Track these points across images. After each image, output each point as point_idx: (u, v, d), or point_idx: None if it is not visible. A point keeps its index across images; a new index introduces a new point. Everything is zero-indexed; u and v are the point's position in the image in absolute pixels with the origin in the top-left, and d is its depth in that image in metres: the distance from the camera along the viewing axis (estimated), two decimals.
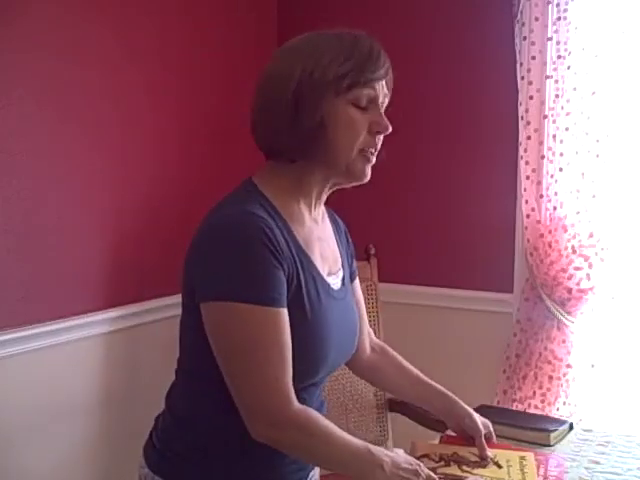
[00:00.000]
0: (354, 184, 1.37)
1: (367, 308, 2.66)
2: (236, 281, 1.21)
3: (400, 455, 1.29)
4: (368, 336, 1.69)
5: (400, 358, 1.70)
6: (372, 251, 2.62)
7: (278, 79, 1.30)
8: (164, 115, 2.57)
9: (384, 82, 1.35)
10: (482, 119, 2.75)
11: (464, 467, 1.34)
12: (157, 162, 2.56)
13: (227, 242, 1.22)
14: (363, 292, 2.73)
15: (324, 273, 1.36)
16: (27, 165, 2.17)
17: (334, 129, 1.29)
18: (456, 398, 1.61)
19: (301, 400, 1.27)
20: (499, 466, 1.39)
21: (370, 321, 2.64)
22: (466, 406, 1.60)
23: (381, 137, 1.34)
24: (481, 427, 1.56)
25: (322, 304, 1.31)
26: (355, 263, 1.57)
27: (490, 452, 1.49)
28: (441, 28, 2.81)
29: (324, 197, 1.40)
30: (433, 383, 1.65)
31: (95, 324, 2.36)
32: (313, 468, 1.46)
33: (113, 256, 2.43)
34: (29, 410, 2.19)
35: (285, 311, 1.24)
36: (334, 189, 1.40)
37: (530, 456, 1.51)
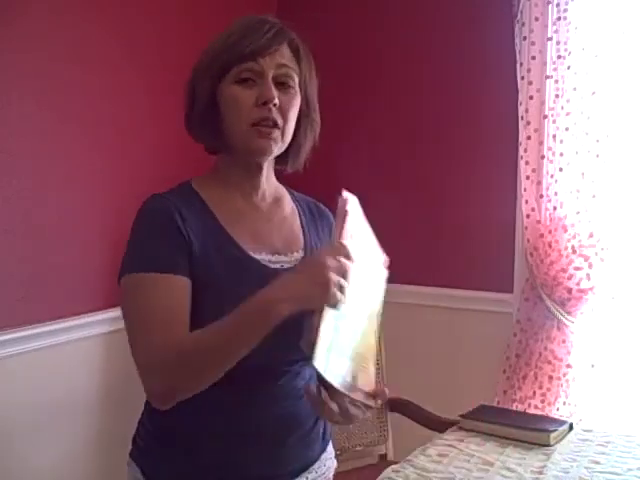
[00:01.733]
0: (260, 160, 1.34)
1: None
2: (131, 254, 1.30)
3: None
4: None
5: None
6: None
7: None
8: (164, 115, 2.56)
9: (274, 54, 1.30)
10: (482, 119, 2.75)
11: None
12: (157, 162, 2.56)
13: (133, 225, 1.33)
14: None
15: (254, 251, 1.34)
16: (27, 165, 2.17)
17: (223, 110, 1.31)
18: None
19: (264, 400, 1.29)
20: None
21: None
22: None
23: (273, 109, 1.28)
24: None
25: (241, 278, 1.29)
26: None
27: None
28: (441, 28, 2.81)
29: (260, 183, 1.38)
30: None
31: (95, 324, 2.36)
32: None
33: (113, 256, 2.41)
34: (29, 410, 2.19)
35: (175, 277, 1.25)
36: (265, 173, 1.38)
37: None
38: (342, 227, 1.19)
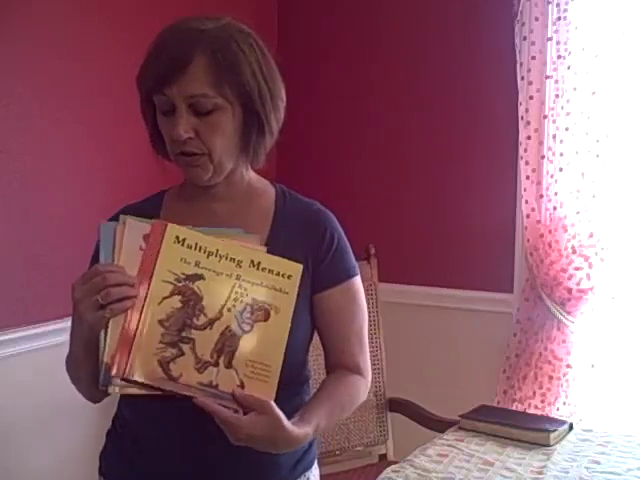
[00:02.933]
0: (200, 185, 1.31)
1: (367, 308, 2.62)
2: None
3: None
4: (335, 357, 1.38)
5: (336, 383, 1.34)
6: (372, 251, 2.61)
7: None
8: None
9: (182, 82, 1.21)
10: (482, 119, 2.75)
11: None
12: (159, 162, 2.56)
13: None
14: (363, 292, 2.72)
15: None
16: (27, 165, 2.17)
17: None
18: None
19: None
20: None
21: (370, 321, 2.62)
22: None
23: (189, 141, 1.23)
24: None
25: None
26: (338, 268, 1.35)
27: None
28: (441, 28, 2.81)
29: (217, 194, 1.33)
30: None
31: None
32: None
33: None
34: (29, 410, 2.19)
35: None
36: (224, 182, 1.32)
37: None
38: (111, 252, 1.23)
